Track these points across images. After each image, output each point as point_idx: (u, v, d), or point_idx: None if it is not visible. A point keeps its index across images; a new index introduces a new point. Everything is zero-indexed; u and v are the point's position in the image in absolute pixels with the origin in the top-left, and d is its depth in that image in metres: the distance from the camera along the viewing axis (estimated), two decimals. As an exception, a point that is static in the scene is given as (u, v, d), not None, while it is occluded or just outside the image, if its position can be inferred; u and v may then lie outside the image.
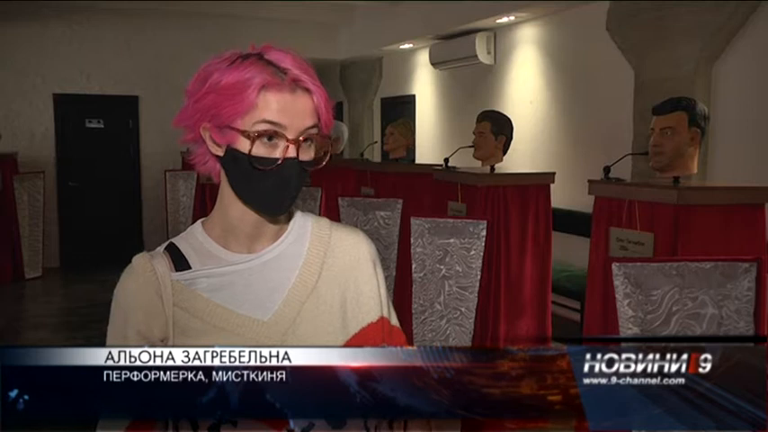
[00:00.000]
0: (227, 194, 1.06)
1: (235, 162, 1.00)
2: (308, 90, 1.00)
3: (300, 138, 0.99)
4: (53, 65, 7.68)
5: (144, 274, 1.04)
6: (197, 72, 1.02)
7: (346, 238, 1.13)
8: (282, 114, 0.97)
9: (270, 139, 0.98)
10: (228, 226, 1.07)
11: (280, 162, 0.98)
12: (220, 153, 1.02)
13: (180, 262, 1.06)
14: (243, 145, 0.98)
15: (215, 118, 0.99)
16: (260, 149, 0.98)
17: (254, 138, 0.97)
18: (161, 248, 1.09)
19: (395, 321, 1.16)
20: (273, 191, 1.01)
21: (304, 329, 1.04)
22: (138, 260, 1.06)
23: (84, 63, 7.79)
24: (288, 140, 0.98)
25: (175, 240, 1.10)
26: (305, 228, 1.11)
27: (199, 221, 1.12)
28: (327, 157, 1.05)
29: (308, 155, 1.01)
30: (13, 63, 7.51)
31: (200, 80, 1.01)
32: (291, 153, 0.98)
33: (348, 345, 1.06)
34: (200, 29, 7.79)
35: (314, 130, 1.01)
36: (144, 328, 1.03)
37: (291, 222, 1.11)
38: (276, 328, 1.03)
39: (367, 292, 1.11)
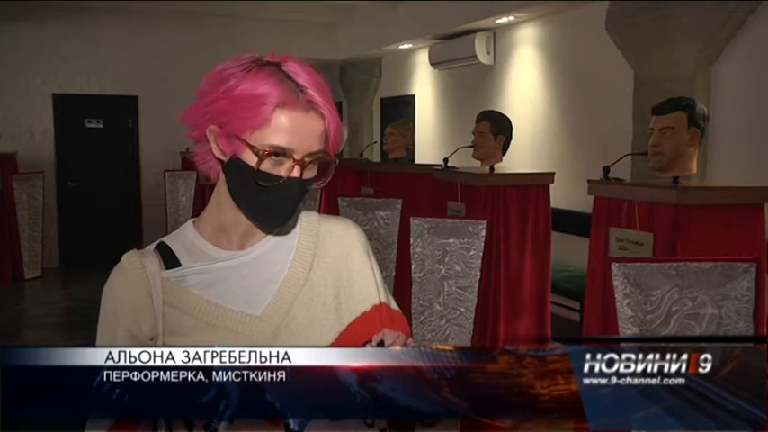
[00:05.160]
0: (224, 196, 1.06)
1: (238, 172, 1.01)
2: (321, 114, 1.00)
3: (306, 159, 0.99)
4: (53, 65, 7.67)
5: (134, 272, 1.04)
6: (212, 71, 1.02)
7: (336, 228, 1.14)
8: (293, 136, 0.98)
9: (276, 155, 0.98)
10: (221, 225, 1.08)
11: (283, 181, 0.99)
12: (224, 159, 1.02)
13: (170, 260, 1.06)
14: (249, 158, 0.98)
15: (225, 125, 0.99)
16: (265, 165, 0.98)
17: (262, 156, 0.97)
18: (151, 247, 1.09)
19: (395, 306, 1.16)
20: (272, 206, 1.01)
21: (298, 322, 1.05)
22: (129, 258, 1.06)
23: (84, 63, 7.78)
24: (294, 161, 0.99)
25: (166, 239, 1.10)
26: (294, 221, 1.12)
27: (190, 220, 1.13)
28: (328, 177, 1.05)
29: (311, 173, 1.02)
30: (13, 63, 7.51)
31: (214, 82, 1.00)
32: (296, 173, 0.99)
33: (343, 335, 1.07)
34: (200, 29, 7.79)
35: (320, 154, 1.01)
36: (133, 327, 1.03)
37: None
38: (269, 321, 1.04)
39: (360, 280, 1.11)
